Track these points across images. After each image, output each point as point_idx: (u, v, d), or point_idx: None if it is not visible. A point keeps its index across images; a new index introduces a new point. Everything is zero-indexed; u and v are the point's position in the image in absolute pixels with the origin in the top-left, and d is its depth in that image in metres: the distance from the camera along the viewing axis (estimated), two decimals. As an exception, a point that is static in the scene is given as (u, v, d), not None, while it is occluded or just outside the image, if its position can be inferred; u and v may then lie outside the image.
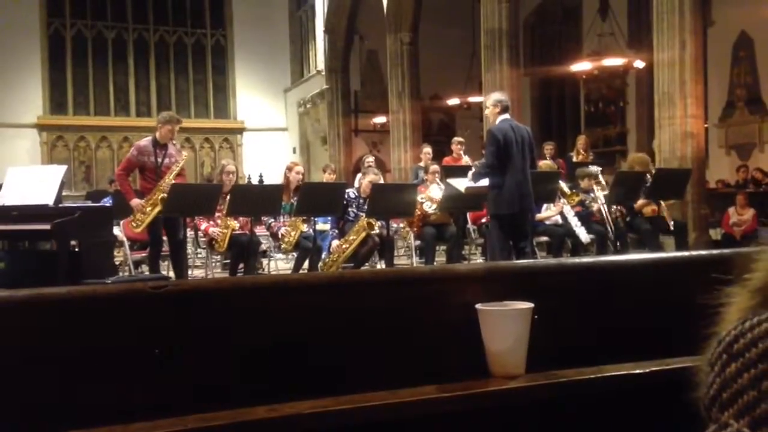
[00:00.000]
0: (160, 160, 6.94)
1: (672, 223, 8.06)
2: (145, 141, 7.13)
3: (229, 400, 1.41)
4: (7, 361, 1.37)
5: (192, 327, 1.53)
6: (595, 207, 8.33)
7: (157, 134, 7.02)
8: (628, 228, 8.19)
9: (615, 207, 8.14)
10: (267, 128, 20.73)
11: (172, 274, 7.38)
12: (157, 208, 6.74)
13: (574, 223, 8.08)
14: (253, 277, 5.05)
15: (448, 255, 8.36)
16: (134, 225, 6.96)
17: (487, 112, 7.13)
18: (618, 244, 7.90)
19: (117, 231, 7.66)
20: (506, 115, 6.67)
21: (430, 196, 8.21)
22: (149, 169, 6.95)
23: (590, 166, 9.08)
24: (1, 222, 6.06)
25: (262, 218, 7.72)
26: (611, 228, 7.97)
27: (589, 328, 1.76)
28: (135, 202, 6.87)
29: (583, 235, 7.95)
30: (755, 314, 0.78)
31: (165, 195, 6.67)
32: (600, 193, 8.37)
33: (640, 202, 8.06)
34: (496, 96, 6.95)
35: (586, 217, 8.26)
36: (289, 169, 8.13)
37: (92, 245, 6.28)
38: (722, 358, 0.78)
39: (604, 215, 8.10)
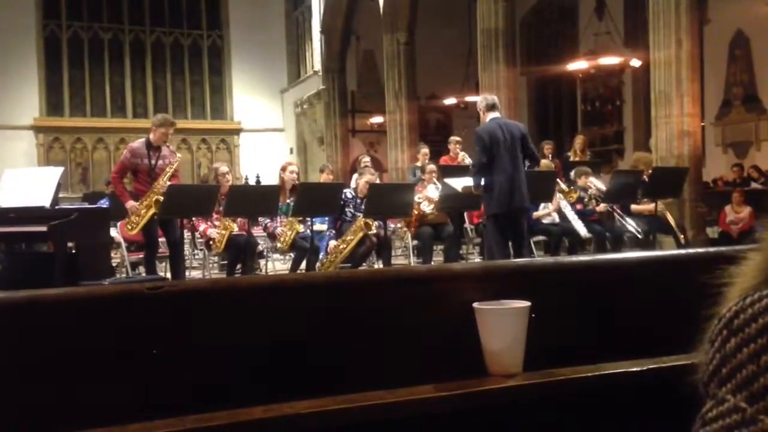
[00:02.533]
0: (153, 162, 6.92)
1: (682, 237, 8.02)
2: (138, 143, 7.09)
3: (227, 401, 1.40)
4: (5, 362, 1.37)
5: (190, 327, 1.53)
6: (598, 207, 8.33)
7: (151, 136, 6.99)
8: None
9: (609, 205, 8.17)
10: (264, 129, 20.74)
11: (169, 275, 7.37)
12: (152, 210, 6.74)
13: (572, 217, 8.08)
14: (251, 277, 5.05)
15: (446, 254, 8.37)
16: (129, 227, 6.96)
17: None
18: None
19: (114, 232, 7.65)
20: (495, 114, 6.66)
21: (427, 195, 8.22)
22: (143, 171, 6.94)
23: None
24: (-2, 224, 6.06)
25: (259, 219, 7.72)
26: (623, 220, 7.94)
27: (586, 327, 1.76)
28: (130, 204, 6.86)
29: (582, 230, 7.95)
30: (757, 292, 0.78)
31: (159, 197, 6.67)
32: (596, 191, 8.39)
33: (641, 207, 8.06)
34: (480, 98, 7.00)
35: (588, 216, 8.26)
36: (283, 169, 8.12)
37: (89, 247, 6.27)
38: (722, 334, 0.77)
39: (612, 211, 8.10)
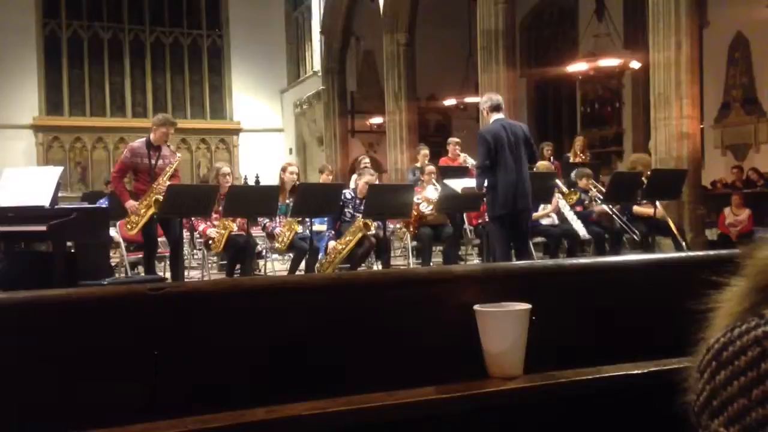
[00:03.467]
0: (153, 161, 6.90)
1: (684, 243, 7.97)
2: (139, 142, 7.08)
3: (228, 402, 1.41)
4: (7, 362, 1.37)
5: (191, 328, 1.53)
6: (597, 208, 8.31)
7: (152, 136, 6.98)
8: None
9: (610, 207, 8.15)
10: (263, 129, 20.73)
11: (168, 274, 7.37)
12: (151, 210, 6.74)
13: (571, 217, 8.06)
14: (251, 278, 5.04)
15: (445, 255, 8.36)
16: (129, 227, 6.96)
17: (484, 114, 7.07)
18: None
19: (113, 232, 7.64)
20: (499, 114, 6.64)
21: (426, 196, 8.22)
22: (143, 170, 6.92)
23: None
24: (-3, 223, 6.05)
25: (258, 219, 7.72)
26: (621, 221, 7.89)
27: (587, 329, 1.77)
28: (130, 203, 6.85)
29: (581, 230, 7.94)
30: (743, 321, 0.78)
31: (159, 197, 6.66)
32: (596, 193, 8.39)
33: (642, 209, 8.05)
34: (485, 97, 6.93)
35: (586, 217, 8.25)
36: (283, 169, 8.12)
37: (88, 246, 6.27)
38: (711, 366, 0.78)
39: (610, 213, 8.06)
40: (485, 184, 6.51)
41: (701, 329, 0.84)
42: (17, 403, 1.38)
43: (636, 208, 8.13)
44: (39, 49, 19.01)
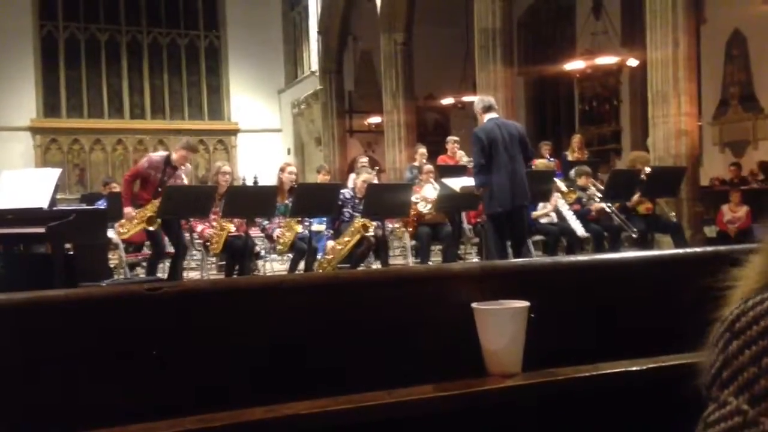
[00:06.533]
0: (165, 178, 7.13)
1: (673, 214, 8.05)
2: (159, 156, 7.42)
3: (227, 402, 1.41)
4: (5, 363, 1.37)
5: (189, 328, 1.53)
6: (594, 206, 8.31)
7: (173, 155, 7.23)
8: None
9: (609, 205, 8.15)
10: (261, 129, 20.73)
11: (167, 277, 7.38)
12: (142, 225, 6.93)
13: (569, 216, 8.07)
14: (249, 277, 5.03)
15: (444, 254, 8.37)
16: (121, 231, 7.14)
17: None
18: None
19: (112, 233, 7.65)
20: (492, 114, 6.69)
21: (425, 196, 8.22)
22: (152, 183, 7.19)
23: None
24: (-5, 226, 6.04)
25: (257, 220, 7.73)
26: (619, 219, 7.90)
27: (585, 327, 1.77)
28: (127, 210, 7.05)
29: (579, 229, 7.95)
30: (759, 294, 0.78)
31: (153, 214, 6.85)
32: (595, 191, 8.40)
33: (634, 199, 8.07)
34: (477, 100, 7.03)
35: (584, 215, 8.25)
36: (282, 170, 8.13)
37: (87, 248, 6.26)
38: (724, 337, 0.77)
39: (608, 210, 8.08)
40: (483, 183, 6.54)
41: (716, 309, 0.84)
42: (17, 404, 1.38)
43: (631, 201, 8.15)
44: (36, 52, 19.01)
